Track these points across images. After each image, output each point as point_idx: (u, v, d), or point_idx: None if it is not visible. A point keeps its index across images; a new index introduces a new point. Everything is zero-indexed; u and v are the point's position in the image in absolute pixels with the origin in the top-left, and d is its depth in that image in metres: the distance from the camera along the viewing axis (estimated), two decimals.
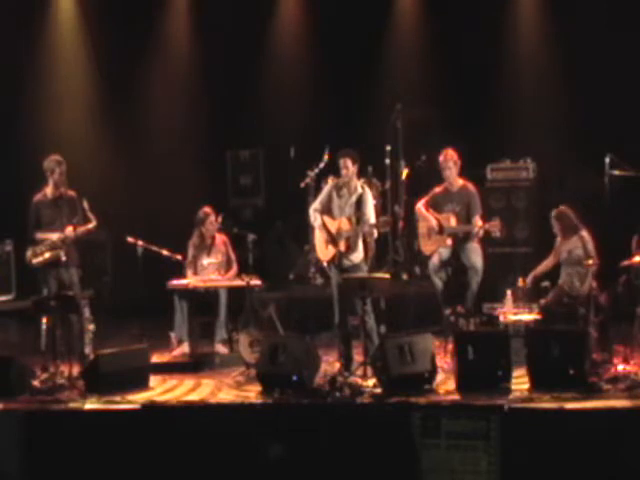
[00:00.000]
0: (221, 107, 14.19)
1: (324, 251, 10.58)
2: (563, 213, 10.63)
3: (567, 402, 8.76)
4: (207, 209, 11.58)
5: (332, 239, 10.40)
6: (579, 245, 10.43)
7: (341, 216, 10.49)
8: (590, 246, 10.41)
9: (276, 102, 14.20)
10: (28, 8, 14.11)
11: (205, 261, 11.46)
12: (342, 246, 10.36)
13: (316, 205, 10.67)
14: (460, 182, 11.29)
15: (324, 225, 10.48)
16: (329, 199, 10.63)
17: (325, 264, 10.87)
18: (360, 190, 10.53)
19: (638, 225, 10.35)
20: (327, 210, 10.59)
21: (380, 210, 12.61)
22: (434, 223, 11.09)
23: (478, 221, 11.03)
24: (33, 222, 10.89)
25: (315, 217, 10.61)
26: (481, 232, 10.99)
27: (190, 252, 11.52)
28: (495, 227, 10.87)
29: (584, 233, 10.48)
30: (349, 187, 10.55)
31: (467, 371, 9.38)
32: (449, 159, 11.19)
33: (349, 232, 10.39)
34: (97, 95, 14.44)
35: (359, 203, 10.45)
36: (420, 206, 11.36)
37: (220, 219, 11.58)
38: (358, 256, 10.46)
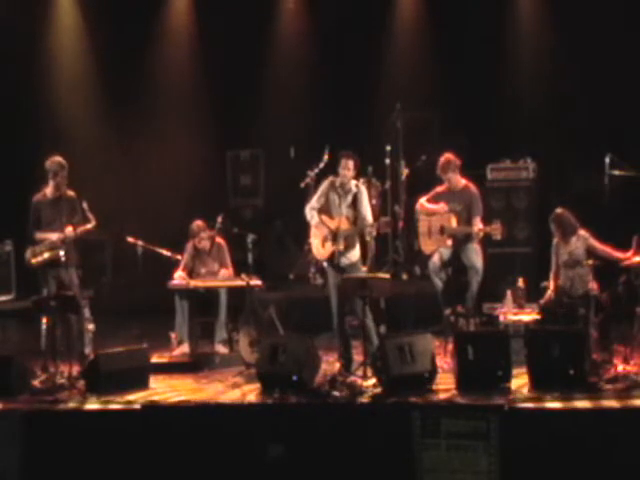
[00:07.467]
0: (221, 107, 14.19)
1: (321, 250, 10.57)
2: (561, 216, 10.44)
3: (567, 402, 8.77)
4: (199, 222, 11.46)
5: (332, 238, 10.39)
6: (579, 245, 10.38)
7: (339, 216, 10.48)
8: (592, 241, 10.35)
9: (276, 102, 14.20)
10: (28, 8, 14.11)
11: (203, 270, 11.43)
12: (341, 245, 10.36)
13: (313, 203, 10.63)
14: (463, 182, 11.27)
15: (323, 224, 10.48)
16: (327, 198, 10.60)
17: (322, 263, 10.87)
18: (355, 189, 10.50)
19: (638, 225, 10.34)
20: (324, 209, 10.56)
21: (380, 210, 12.61)
22: (440, 209, 11.03)
23: (479, 223, 11.02)
24: (33, 222, 10.88)
25: (312, 215, 10.57)
26: (481, 234, 10.98)
27: (185, 256, 11.46)
28: (496, 230, 10.84)
29: (582, 232, 10.44)
30: (345, 187, 10.55)
31: (467, 371, 9.37)
32: (449, 166, 11.14)
33: (348, 231, 10.38)
34: (97, 95, 14.45)
35: (355, 202, 10.45)
36: (423, 201, 11.31)
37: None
38: (355, 254, 10.47)
